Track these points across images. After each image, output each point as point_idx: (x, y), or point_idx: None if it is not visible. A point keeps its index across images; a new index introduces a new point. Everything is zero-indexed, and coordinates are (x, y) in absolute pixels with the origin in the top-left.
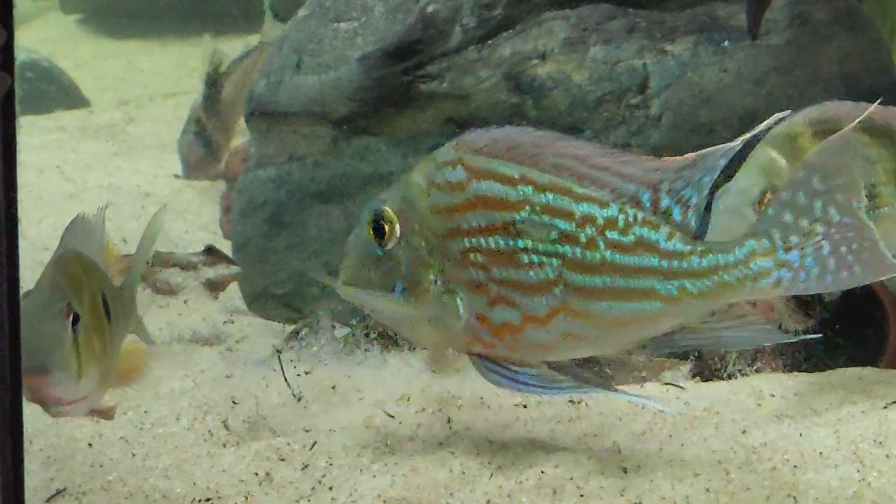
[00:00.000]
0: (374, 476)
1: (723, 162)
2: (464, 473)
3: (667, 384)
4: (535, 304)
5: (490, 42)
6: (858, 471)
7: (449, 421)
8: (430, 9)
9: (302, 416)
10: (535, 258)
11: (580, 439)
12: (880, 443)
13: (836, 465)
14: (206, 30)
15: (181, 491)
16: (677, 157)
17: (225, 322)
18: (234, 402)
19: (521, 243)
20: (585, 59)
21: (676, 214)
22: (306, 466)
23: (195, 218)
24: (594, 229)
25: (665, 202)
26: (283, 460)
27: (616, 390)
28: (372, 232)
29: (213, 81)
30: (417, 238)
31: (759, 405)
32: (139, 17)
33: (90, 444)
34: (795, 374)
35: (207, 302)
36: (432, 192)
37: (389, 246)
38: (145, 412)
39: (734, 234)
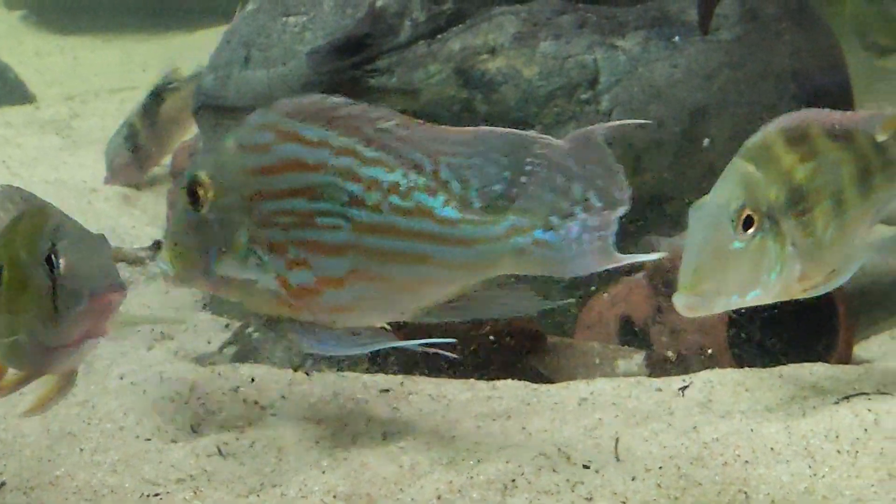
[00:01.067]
0: (324, 472)
1: (500, 158)
2: (413, 469)
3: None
4: (328, 266)
5: (440, 37)
6: (810, 466)
7: (399, 415)
8: (379, 3)
9: (250, 412)
10: (328, 220)
11: (531, 434)
12: (831, 438)
13: (787, 461)
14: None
15: (130, 486)
16: (460, 130)
17: (173, 318)
18: (181, 398)
19: (317, 206)
20: (535, 53)
21: (455, 188)
22: (255, 461)
23: (142, 213)
24: (380, 193)
25: (444, 174)
26: (231, 455)
27: (403, 342)
28: (187, 197)
29: (157, 93)
30: (229, 201)
31: (711, 400)
32: (83, 13)
33: (37, 439)
34: (746, 369)
35: (155, 297)
36: (241, 154)
37: (204, 210)
38: (93, 407)
39: (713, 250)
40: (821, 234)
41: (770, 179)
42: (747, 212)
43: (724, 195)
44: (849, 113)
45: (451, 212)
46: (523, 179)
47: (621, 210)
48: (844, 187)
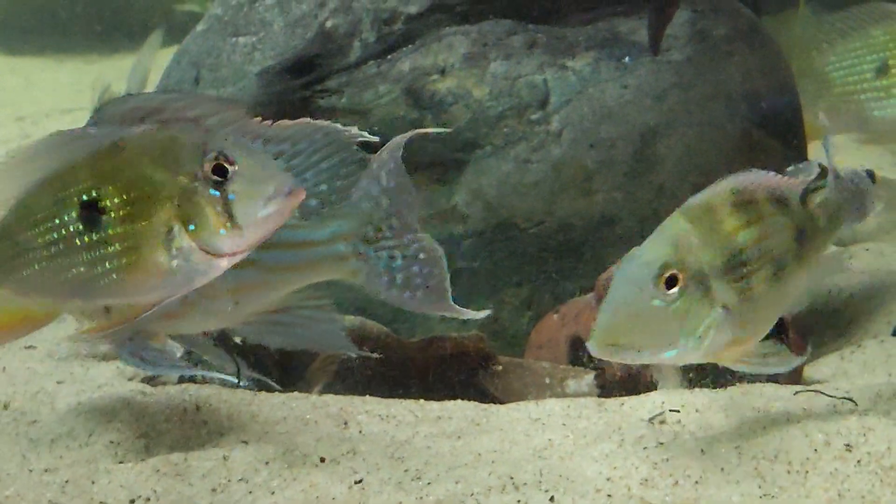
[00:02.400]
0: (273, 492)
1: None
2: (363, 489)
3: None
4: None
5: (390, 57)
6: (760, 486)
7: (349, 436)
8: (329, 24)
9: (199, 432)
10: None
11: (481, 455)
12: (781, 459)
13: (737, 481)
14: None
15: None
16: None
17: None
18: (130, 418)
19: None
20: (486, 74)
21: None
22: (205, 482)
23: None
24: None
25: None
26: (179, 476)
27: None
28: None
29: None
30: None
31: (662, 422)
32: (35, 34)
33: None
34: (697, 390)
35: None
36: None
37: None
38: (42, 427)
39: (631, 304)
40: (758, 300)
41: (707, 241)
42: (672, 271)
43: (651, 251)
44: (786, 178)
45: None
46: (344, 182)
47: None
48: (784, 254)
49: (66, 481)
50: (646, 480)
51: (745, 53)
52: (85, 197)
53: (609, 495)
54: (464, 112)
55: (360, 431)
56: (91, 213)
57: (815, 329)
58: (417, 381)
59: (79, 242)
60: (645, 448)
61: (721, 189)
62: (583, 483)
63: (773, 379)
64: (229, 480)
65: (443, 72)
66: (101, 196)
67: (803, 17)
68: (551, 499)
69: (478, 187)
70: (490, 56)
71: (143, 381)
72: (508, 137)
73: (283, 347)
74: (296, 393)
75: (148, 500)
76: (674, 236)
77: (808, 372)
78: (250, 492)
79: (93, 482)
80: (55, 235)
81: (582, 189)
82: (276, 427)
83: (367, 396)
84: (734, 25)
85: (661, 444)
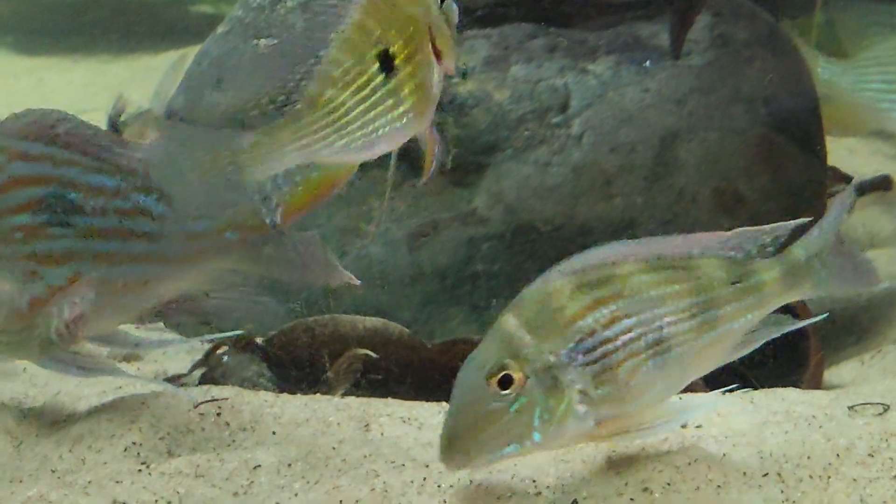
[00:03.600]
0: (296, 494)
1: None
2: (386, 492)
3: None
4: (56, 275)
5: None
6: (782, 491)
7: (371, 438)
8: None
9: (222, 434)
10: (56, 230)
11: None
12: (804, 464)
13: (759, 486)
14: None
15: None
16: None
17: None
18: (152, 420)
19: (45, 218)
20: (507, 77)
21: None
22: (228, 484)
23: None
24: (103, 198)
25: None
26: (202, 477)
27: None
28: None
29: (113, 125)
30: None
31: (683, 426)
32: (49, 34)
33: (9, 460)
34: (718, 393)
35: None
36: None
37: None
38: (64, 429)
39: (468, 410)
40: (626, 379)
41: (543, 334)
42: (505, 372)
43: (482, 354)
44: (685, 238)
45: (165, 209)
46: None
47: None
48: (670, 324)
49: (89, 482)
50: (668, 484)
51: (766, 58)
52: (381, 48)
53: (632, 499)
54: (484, 115)
55: (382, 434)
56: (386, 61)
57: (834, 334)
58: (439, 384)
59: (382, 93)
60: (668, 452)
61: (559, 273)
62: (605, 486)
63: (792, 384)
64: (252, 482)
65: (464, 75)
66: (391, 42)
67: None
68: (574, 502)
69: (498, 190)
70: (511, 59)
71: (165, 380)
72: (529, 141)
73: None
74: (318, 395)
75: (170, 502)
76: (505, 334)
77: (828, 377)
78: (273, 494)
79: (116, 483)
80: (365, 92)
81: (602, 193)
82: (299, 429)
83: (389, 399)
84: (754, 30)
85: (683, 447)
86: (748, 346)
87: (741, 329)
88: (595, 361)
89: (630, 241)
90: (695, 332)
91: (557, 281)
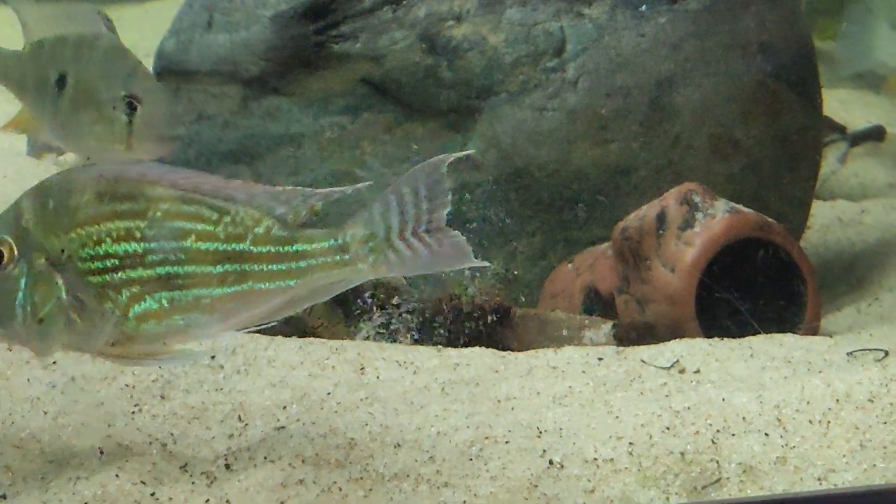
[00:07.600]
0: (291, 436)
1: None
2: (382, 435)
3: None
4: None
5: (405, 2)
6: (781, 436)
7: (367, 381)
8: None
9: (217, 376)
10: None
11: (500, 402)
12: (803, 409)
13: (759, 430)
14: None
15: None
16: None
17: None
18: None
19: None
20: (501, 21)
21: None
22: (222, 426)
23: None
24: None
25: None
26: (197, 419)
27: None
28: None
29: None
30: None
31: (682, 371)
32: None
33: None
34: (716, 340)
35: None
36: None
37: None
38: (55, 368)
39: None
40: (129, 303)
41: (49, 224)
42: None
43: None
44: (234, 181)
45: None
46: None
47: None
48: (186, 262)
49: (82, 424)
50: (667, 429)
51: (762, 5)
52: None
53: (631, 443)
54: (479, 59)
55: (378, 377)
56: None
57: (829, 283)
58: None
59: None
60: (667, 396)
61: (87, 175)
62: (603, 430)
63: (791, 329)
64: (246, 424)
65: (458, 18)
66: None
67: None
68: (572, 445)
69: (492, 135)
70: (506, 2)
71: None
72: (524, 85)
73: None
74: (312, 338)
75: (165, 444)
76: (18, 210)
77: (825, 325)
78: (268, 436)
79: (109, 425)
80: None
81: (597, 138)
82: (294, 372)
83: (385, 343)
84: None
85: (682, 392)
86: (295, 308)
87: (278, 292)
88: (96, 273)
89: (175, 167)
90: (217, 279)
91: (84, 180)
